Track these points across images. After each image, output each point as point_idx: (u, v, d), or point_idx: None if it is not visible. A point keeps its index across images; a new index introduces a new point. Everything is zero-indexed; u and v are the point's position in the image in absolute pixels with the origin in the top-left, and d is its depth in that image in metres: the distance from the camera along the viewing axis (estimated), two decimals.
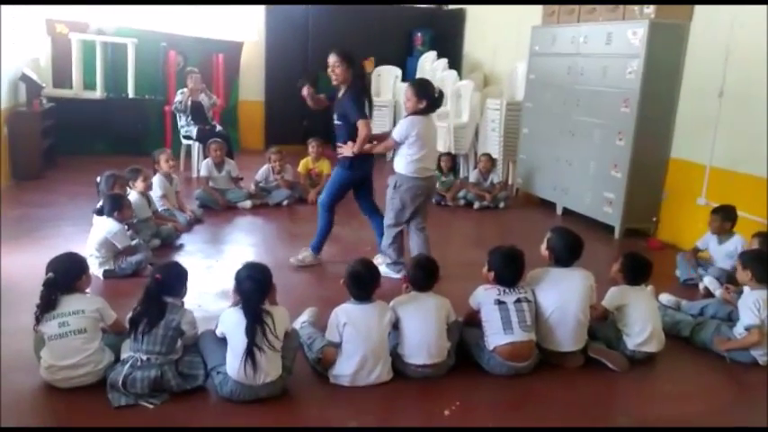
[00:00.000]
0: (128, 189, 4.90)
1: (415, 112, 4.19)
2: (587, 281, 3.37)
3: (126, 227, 4.36)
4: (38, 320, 2.84)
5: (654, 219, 5.87)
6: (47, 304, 2.83)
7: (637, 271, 3.54)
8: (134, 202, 4.77)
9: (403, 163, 4.31)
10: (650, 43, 5.46)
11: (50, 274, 2.88)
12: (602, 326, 3.50)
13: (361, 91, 4.39)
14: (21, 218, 5.45)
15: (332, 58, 4.35)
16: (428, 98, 4.17)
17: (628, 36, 5.64)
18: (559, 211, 6.66)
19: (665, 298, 4.15)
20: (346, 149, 4.37)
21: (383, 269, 4.18)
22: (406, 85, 4.54)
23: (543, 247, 3.48)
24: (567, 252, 3.40)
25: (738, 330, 3.50)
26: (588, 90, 6.20)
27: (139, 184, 4.97)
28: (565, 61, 6.52)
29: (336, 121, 4.45)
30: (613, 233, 5.88)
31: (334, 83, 4.41)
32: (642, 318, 3.39)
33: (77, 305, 2.88)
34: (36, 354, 2.88)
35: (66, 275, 2.91)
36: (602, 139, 6.03)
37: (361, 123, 4.27)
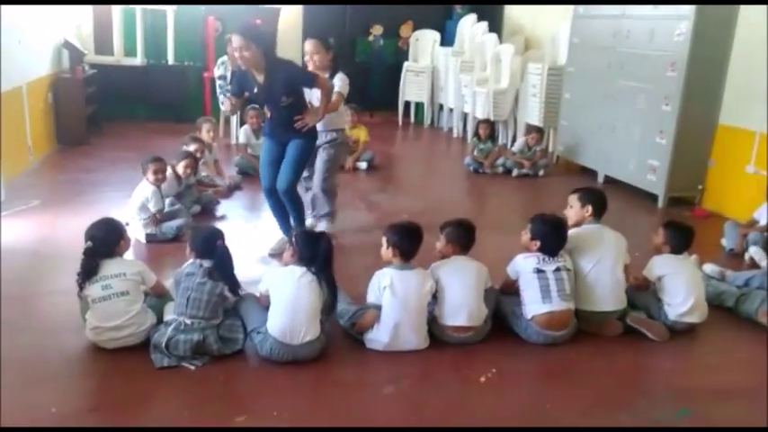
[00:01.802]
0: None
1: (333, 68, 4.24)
2: (620, 239, 3.36)
3: (159, 190, 4.41)
4: (81, 287, 2.93)
5: (699, 187, 5.70)
6: (88, 271, 2.91)
7: (679, 239, 3.45)
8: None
9: (342, 118, 4.48)
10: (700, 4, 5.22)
11: (89, 243, 2.95)
12: (643, 295, 3.44)
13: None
14: (67, 182, 5.61)
15: (237, 39, 3.71)
16: (333, 52, 4.29)
17: None
18: (601, 179, 6.52)
19: (710, 268, 4.05)
20: (311, 116, 3.93)
21: (324, 226, 4.40)
22: (310, 41, 4.28)
23: (577, 207, 3.45)
24: (600, 206, 3.42)
25: None
26: (634, 53, 5.99)
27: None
28: (610, 23, 6.30)
29: (283, 101, 3.86)
30: (657, 202, 5.74)
31: (243, 64, 3.79)
32: (685, 287, 3.32)
33: (119, 268, 2.95)
34: (82, 316, 2.98)
35: (104, 242, 2.98)
36: (646, 104, 5.84)
37: (321, 79, 3.93)
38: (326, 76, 4.13)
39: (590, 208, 3.41)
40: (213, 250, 2.99)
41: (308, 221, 4.48)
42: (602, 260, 3.26)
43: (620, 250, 3.34)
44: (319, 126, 4.13)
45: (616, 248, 3.33)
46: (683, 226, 3.52)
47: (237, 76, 3.97)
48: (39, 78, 6.40)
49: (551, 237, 3.24)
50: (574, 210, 3.48)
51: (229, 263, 3.02)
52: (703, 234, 5.03)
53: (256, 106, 6.55)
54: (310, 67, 4.15)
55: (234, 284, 3.01)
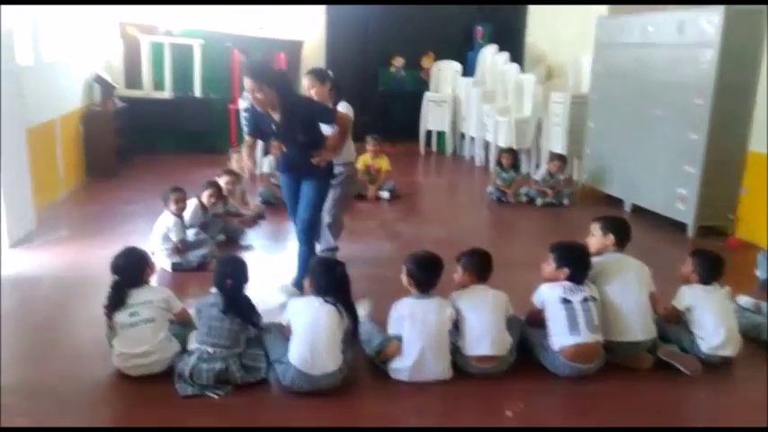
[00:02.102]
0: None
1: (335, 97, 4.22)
2: (643, 267, 3.32)
3: (181, 220, 4.46)
4: (108, 317, 2.96)
5: (730, 216, 5.58)
6: (116, 303, 2.95)
7: (708, 268, 3.37)
8: (192, 212, 4.86)
9: (350, 151, 4.40)
10: (726, 31, 5.18)
11: (116, 278, 2.99)
12: (674, 328, 3.35)
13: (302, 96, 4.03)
14: (96, 213, 5.70)
15: (248, 81, 3.58)
16: (331, 81, 4.22)
17: (701, 24, 5.38)
18: (627, 207, 6.43)
19: (744, 300, 3.93)
20: (327, 152, 3.81)
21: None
22: (305, 76, 4.18)
23: (599, 235, 3.40)
24: (623, 235, 3.37)
25: None
26: (658, 81, 5.95)
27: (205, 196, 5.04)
28: (633, 52, 6.29)
29: (300, 139, 3.72)
30: (686, 231, 5.63)
31: (259, 106, 3.69)
32: (715, 319, 3.23)
33: (146, 296, 2.98)
34: (109, 342, 3.00)
35: (130, 272, 3.03)
36: (673, 132, 5.77)
37: (339, 114, 3.88)
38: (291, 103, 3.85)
39: (612, 237, 3.36)
40: (223, 287, 2.99)
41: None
42: (626, 287, 3.21)
43: (643, 277, 3.28)
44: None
45: (639, 275, 3.28)
46: (712, 254, 3.44)
47: (253, 115, 3.85)
48: (71, 112, 6.57)
49: (578, 263, 3.21)
50: (596, 238, 3.42)
51: (240, 300, 2.99)
52: (737, 265, 4.90)
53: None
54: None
55: (250, 321, 2.99)
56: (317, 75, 4.18)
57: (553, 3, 8.58)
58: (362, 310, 3.40)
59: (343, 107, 4.17)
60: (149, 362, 2.89)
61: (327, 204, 4.27)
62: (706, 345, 3.21)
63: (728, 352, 3.23)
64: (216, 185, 5.07)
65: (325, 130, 3.93)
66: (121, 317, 2.93)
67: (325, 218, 4.33)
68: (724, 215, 5.60)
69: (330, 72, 4.43)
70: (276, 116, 3.69)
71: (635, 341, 3.18)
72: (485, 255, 3.26)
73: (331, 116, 3.84)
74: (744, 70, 5.33)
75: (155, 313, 2.95)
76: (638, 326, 3.18)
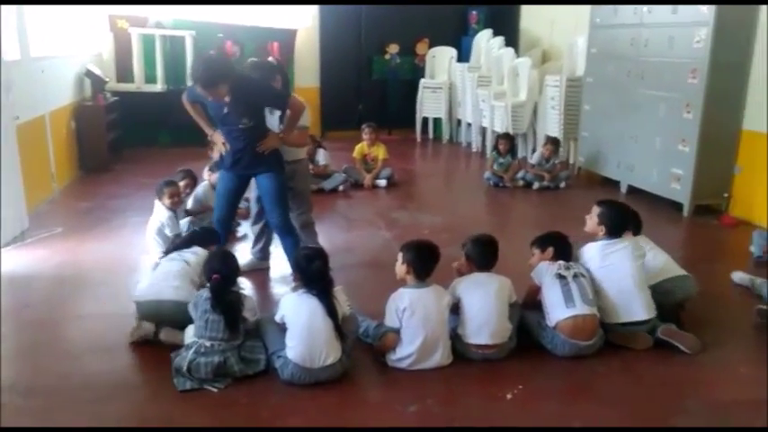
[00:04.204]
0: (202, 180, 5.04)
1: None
2: (635, 247, 3.31)
3: (175, 214, 4.42)
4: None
5: (725, 194, 5.58)
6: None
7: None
8: (203, 192, 4.95)
9: (300, 149, 4.15)
10: (720, 9, 5.15)
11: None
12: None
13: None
14: (90, 209, 5.67)
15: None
16: (283, 75, 4.00)
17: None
18: (624, 189, 6.42)
19: (739, 276, 3.95)
20: (272, 139, 3.66)
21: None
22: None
23: (594, 221, 3.39)
24: (615, 227, 3.34)
25: None
26: (653, 62, 5.92)
27: (215, 177, 5.04)
28: (628, 32, 6.25)
29: (243, 123, 3.55)
30: (682, 211, 5.63)
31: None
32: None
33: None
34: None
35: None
36: (668, 112, 5.75)
37: (293, 99, 3.67)
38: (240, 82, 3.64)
39: (603, 228, 3.35)
40: (210, 282, 2.96)
41: (249, 258, 4.26)
42: (615, 269, 3.22)
43: (633, 256, 3.26)
44: None
45: (632, 260, 3.25)
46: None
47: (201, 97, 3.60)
48: (61, 107, 6.52)
49: (559, 243, 3.34)
50: (591, 221, 3.44)
51: (228, 296, 2.92)
52: (732, 242, 4.93)
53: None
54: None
55: (237, 319, 2.91)
56: (269, 70, 3.92)
57: (546, 3, 8.55)
58: (343, 294, 3.26)
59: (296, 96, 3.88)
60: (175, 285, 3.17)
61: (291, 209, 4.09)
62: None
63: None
64: (190, 175, 5.03)
65: (271, 123, 3.78)
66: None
67: (297, 222, 4.10)
68: (719, 194, 5.61)
69: (277, 63, 4.22)
70: (227, 98, 3.49)
71: (635, 321, 3.18)
72: (489, 243, 3.24)
73: (284, 102, 3.65)
74: (738, 49, 5.31)
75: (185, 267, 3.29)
76: (642, 306, 3.18)
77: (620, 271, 3.21)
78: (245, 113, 3.51)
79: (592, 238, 3.43)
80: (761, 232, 4.58)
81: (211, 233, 3.70)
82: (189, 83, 3.90)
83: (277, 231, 3.88)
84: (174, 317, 3.09)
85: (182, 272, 3.26)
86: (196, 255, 3.40)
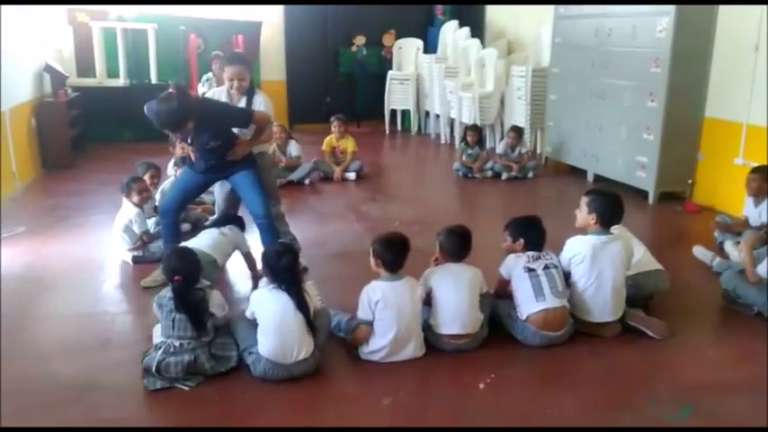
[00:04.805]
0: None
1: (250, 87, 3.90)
2: (626, 248, 3.27)
3: (143, 210, 4.33)
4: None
5: (689, 181, 5.70)
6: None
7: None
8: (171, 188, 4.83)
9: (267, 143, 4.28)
10: None
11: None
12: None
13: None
14: (53, 207, 5.54)
15: (238, 68, 3.73)
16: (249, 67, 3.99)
17: None
18: (590, 178, 6.51)
19: (701, 252, 4.10)
20: (241, 147, 3.72)
21: None
22: (236, 66, 3.80)
23: (584, 212, 3.29)
24: (612, 211, 3.25)
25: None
26: (617, 51, 6.01)
27: (180, 171, 4.95)
28: (591, 23, 6.32)
29: (211, 144, 3.63)
30: (647, 198, 5.73)
31: (238, 92, 3.75)
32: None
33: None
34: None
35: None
36: (632, 101, 5.85)
37: (257, 116, 3.71)
38: (244, 98, 3.85)
39: (595, 216, 3.24)
40: (172, 284, 2.90)
41: None
42: (604, 275, 3.17)
43: (623, 264, 3.22)
44: None
45: (619, 261, 3.20)
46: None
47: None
48: (21, 103, 6.34)
49: (531, 232, 3.29)
50: (581, 213, 3.33)
51: (191, 297, 2.85)
52: (696, 228, 5.04)
53: None
54: (232, 92, 3.77)
55: (201, 322, 2.83)
56: (245, 63, 3.87)
57: (512, 3, 8.61)
58: (314, 288, 3.24)
59: (261, 100, 3.86)
60: None
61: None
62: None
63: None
64: (154, 167, 4.90)
65: (243, 133, 3.78)
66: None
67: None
68: (683, 181, 5.72)
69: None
70: (191, 127, 3.49)
71: (606, 322, 3.22)
72: (462, 235, 3.22)
73: (248, 119, 3.69)
74: (699, 37, 5.41)
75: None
76: (612, 310, 3.20)
77: (606, 279, 3.16)
78: (212, 137, 3.61)
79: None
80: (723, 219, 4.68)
81: (239, 219, 4.10)
82: (152, 80, 3.89)
83: (261, 225, 3.85)
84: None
85: (218, 238, 3.79)
86: (232, 230, 3.90)
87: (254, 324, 2.89)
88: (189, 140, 3.68)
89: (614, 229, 3.33)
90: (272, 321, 2.80)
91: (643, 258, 3.47)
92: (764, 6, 4.89)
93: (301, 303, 2.82)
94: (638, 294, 3.39)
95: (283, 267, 2.86)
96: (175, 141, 3.75)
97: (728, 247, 4.33)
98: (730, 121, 5.32)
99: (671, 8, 5.29)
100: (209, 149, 3.65)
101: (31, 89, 6.76)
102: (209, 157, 3.71)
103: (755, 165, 4.57)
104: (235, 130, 3.77)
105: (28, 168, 6.35)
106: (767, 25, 4.90)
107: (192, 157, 3.79)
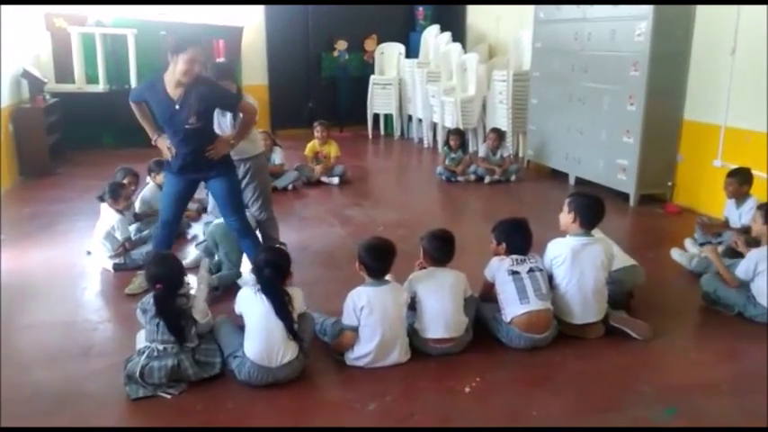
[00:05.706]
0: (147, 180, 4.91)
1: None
2: (606, 251, 3.29)
3: (125, 217, 4.29)
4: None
5: (670, 183, 5.77)
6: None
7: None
8: (151, 195, 4.82)
9: (254, 144, 4.07)
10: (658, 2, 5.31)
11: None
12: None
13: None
14: (33, 214, 5.45)
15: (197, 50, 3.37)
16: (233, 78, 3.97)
17: None
18: (572, 181, 6.56)
19: (677, 254, 4.13)
20: (222, 144, 3.57)
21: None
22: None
23: (566, 214, 3.33)
24: (593, 212, 3.29)
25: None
26: (596, 55, 6.07)
27: (160, 177, 4.90)
28: (571, 27, 6.38)
29: (190, 123, 3.40)
30: (628, 201, 5.79)
31: (188, 80, 3.36)
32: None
33: None
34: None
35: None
36: (612, 104, 5.91)
37: (245, 103, 3.63)
38: (194, 82, 3.49)
39: (575, 216, 3.28)
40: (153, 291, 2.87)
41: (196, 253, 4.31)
42: (584, 276, 3.19)
43: (603, 265, 3.24)
44: (233, 156, 3.77)
45: (599, 263, 3.23)
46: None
47: (146, 85, 3.57)
48: None
49: (515, 236, 3.28)
50: (564, 217, 3.36)
51: (172, 305, 2.81)
52: (677, 229, 5.09)
53: None
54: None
55: (180, 331, 2.79)
56: (228, 72, 3.85)
57: (493, 3, 8.67)
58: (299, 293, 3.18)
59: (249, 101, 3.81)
60: None
61: (250, 205, 4.10)
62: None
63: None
64: (132, 173, 4.85)
65: (224, 126, 3.75)
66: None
67: (253, 220, 4.09)
68: (663, 183, 5.79)
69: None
70: (175, 93, 3.39)
71: (588, 323, 3.24)
72: (445, 239, 3.22)
73: (236, 103, 3.61)
74: (677, 41, 5.49)
75: None
76: (594, 311, 3.22)
77: (587, 280, 3.19)
78: (195, 113, 3.39)
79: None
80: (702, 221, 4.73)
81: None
82: (132, 86, 3.83)
83: (236, 234, 3.80)
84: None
85: None
86: None
87: (238, 328, 2.88)
88: (168, 121, 3.48)
89: (594, 232, 3.36)
90: (256, 323, 2.79)
91: (618, 255, 3.51)
92: (738, 11, 4.97)
93: (281, 311, 2.78)
94: (619, 291, 3.42)
95: (264, 278, 2.84)
96: (156, 144, 3.68)
97: (689, 245, 4.45)
98: (709, 123, 5.39)
99: (649, 12, 5.35)
100: (187, 130, 3.41)
101: (7, 95, 6.66)
102: (185, 146, 3.49)
103: (733, 167, 4.64)
104: (216, 130, 3.70)
105: (5, 176, 6.25)
106: (745, 29, 4.98)
107: (168, 156, 3.62)
